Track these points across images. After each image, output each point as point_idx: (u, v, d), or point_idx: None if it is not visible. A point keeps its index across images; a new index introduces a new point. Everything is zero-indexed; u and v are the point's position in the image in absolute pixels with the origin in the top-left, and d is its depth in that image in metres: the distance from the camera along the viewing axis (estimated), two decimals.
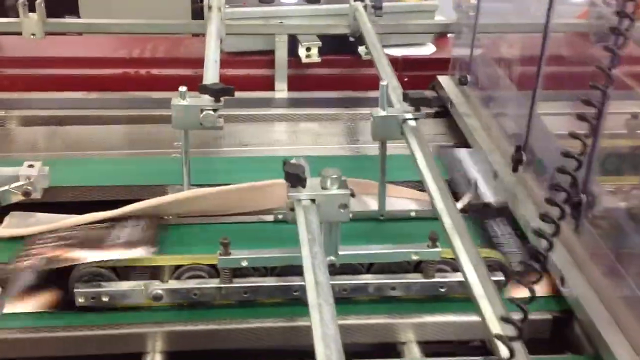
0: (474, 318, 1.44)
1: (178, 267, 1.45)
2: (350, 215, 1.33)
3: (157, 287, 1.41)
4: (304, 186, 1.30)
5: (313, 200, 1.30)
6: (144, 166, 1.91)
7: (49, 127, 2.14)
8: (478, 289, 1.13)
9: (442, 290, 1.46)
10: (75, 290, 1.40)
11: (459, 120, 2.06)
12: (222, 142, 2.04)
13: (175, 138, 2.06)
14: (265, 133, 2.11)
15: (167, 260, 1.45)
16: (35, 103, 2.25)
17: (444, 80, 2.23)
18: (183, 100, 1.62)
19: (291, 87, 2.35)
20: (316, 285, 1.10)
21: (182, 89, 1.61)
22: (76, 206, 1.83)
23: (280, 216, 1.70)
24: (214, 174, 1.84)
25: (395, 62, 2.24)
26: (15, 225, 1.64)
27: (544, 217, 1.14)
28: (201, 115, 1.62)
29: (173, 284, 1.42)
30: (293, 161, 1.33)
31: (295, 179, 1.30)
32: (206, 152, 1.99)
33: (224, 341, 1.42)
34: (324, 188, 1.31)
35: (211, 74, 1.79)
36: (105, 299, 1.41)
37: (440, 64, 2.32)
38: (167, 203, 1.65)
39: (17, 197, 1.65)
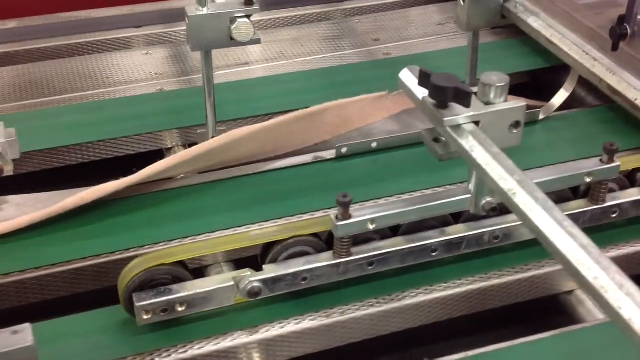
0: None
1: (268, 246, 1.01)
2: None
3: (253, 278, 0.97)
4: (468, 105, 0.89)
5: (476, 123, 0.90)
6: (127, 109, 1.42)
7: None
8: None
9: (614, 216, 1.11)
10: (136, 304, 0.94)
11: None
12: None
13: (152, 66, 1.57)
14: (255, 46, 1.64)
15: (256, 238, 1.01)
16: None
17: None
18: (203, 7, 1.15)
19: None
20: (587, 252, 0.71)
21: None
22: (49, 176, 1.34)
23: (344, 150, 1.29)
24: (233, 105, 1.39)
25: None
26: None
27: None
28: (232, 27, 1.16)
29: (272, 269, 0.98)
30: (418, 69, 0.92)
31: (453, 95, 0.89)
32: (195, 80, 1.50)
33: (351, 335, 1.02)
34: (487, 103, 0.91)
35: None
36: (180, 308, 0.96)
37: None
38: (200, 155, 1.20)
39: None
